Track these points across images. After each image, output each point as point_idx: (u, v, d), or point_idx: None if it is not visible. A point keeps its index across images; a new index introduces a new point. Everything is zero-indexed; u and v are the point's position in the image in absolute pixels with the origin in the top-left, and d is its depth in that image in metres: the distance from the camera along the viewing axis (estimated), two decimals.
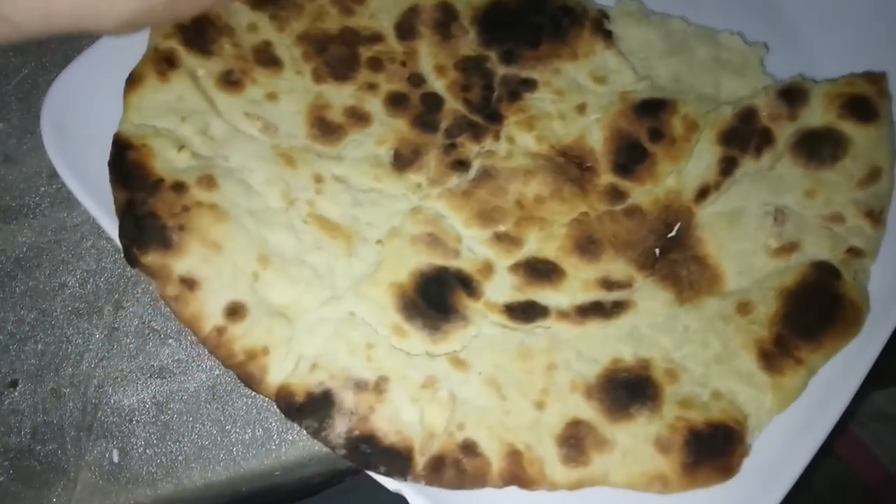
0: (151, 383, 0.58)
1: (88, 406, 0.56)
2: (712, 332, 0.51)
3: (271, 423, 0.58)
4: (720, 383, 0.49)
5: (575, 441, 0.47)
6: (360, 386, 0.48)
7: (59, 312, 0.60)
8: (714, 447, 0.47)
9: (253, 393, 0.55)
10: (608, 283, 0.53)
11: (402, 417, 0.47)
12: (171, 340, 0.59)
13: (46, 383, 0.57)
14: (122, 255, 0.50)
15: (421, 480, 0.46)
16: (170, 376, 0.58)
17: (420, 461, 0.46)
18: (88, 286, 0.60)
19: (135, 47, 0.54)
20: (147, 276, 0.48)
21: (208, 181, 0.51)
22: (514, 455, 0.47)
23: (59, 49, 0.66)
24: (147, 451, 0.57)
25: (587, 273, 0.53)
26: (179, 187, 0.50)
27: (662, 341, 0.51)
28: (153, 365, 0.58)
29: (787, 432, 0.49)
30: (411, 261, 0.52)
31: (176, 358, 0.58)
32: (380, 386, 0.48)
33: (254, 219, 0.51)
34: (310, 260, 0.51)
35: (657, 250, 0.54)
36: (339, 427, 0.46)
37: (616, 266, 0.53)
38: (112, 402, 0.57)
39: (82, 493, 0.55)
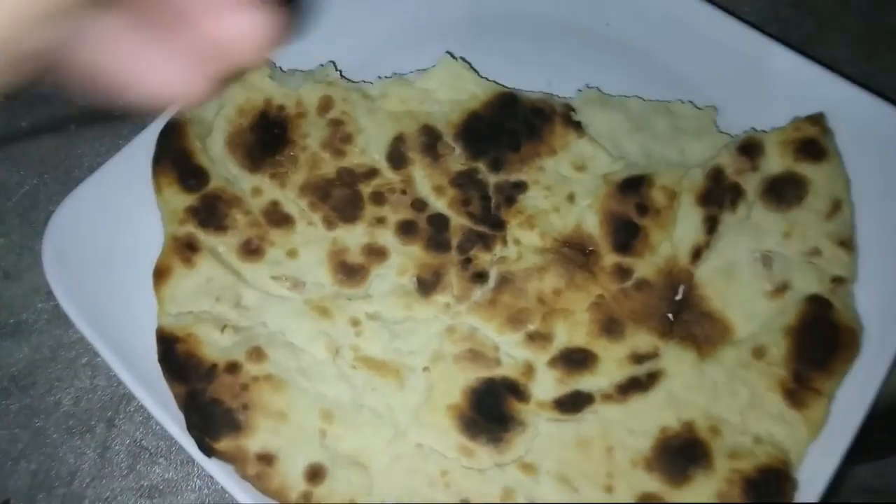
0: (142, 503, 0.59)
1: None
2: (738, 381, 0.57)
3: None
4: (758, 427, 0.55)
5: None
6: None
7: (52, 431, 0.61)
8: (769, 490, 0.52)
9: None
10: (637, 357, 0.58)
11: None
12: (161, 459, 0.61)
13: (39, 503, 0.58)
14: (117, 378, 0.53)
15: None
16: (159, 496, 0.60)
17: None
18: (82, 404, 0.62)
19: (134, 175, 0.58)
20: (224, 461, 0.50)
21: (257, 354, 0.53)
22: None
23: (60, 166, 0.69)
24: None
25: (617, 352, 0.58)
26: (233, 367, 0.53)
27: (698, 400, 0.56)
28: (143, 485, 0.60)
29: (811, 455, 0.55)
30: (459, 379, 0.56)
31: (165, 477, 0.61)
32: None
33: (306, 377, 0.54)
34: (367, 403, 0.54)
35: (670, 315, 0.60)
36: None
37: (640, 339, 0.59)
38: None
39: None
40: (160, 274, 0.55)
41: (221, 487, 0.56)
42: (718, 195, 0.63)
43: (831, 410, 0.56)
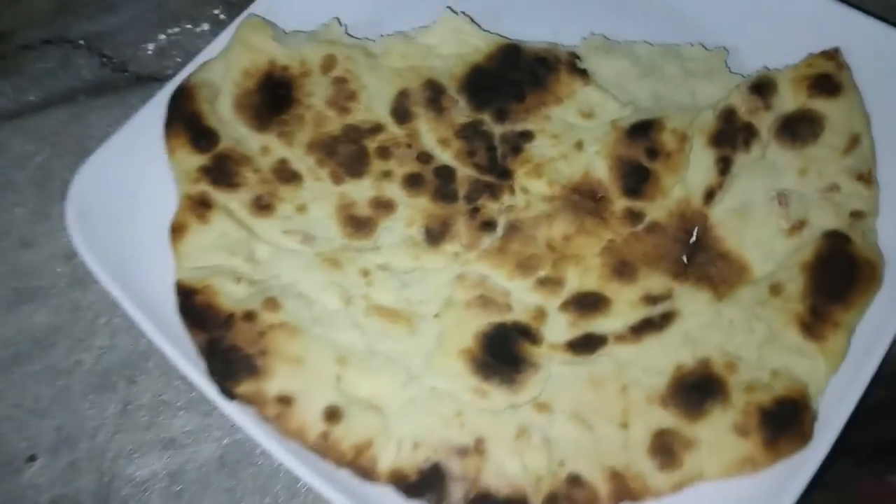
0: (163, 455, 0.61)
1: (104, 478, 0.59)
2: (755, 318, 0.56)
3: (278, 491, 0.60)
4: (775, 362, 0.54)
5: (665, 449, 0.52)
6: (462, 452, 0.52)
7: (75, 388, 0.63)
8: (786, 420, 0.52)
9: (260, 462, 0.59)
10: (651, 299, 0.58)
11: (508, 470, 0.51)
12: (181, 412, 0.62)
13: (64, 457, 0.61)
14: (136, 336, 0.54)
15: None
16: (180, 447, 0.61)
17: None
18: (103, 362, 0.64)
19: (148, 137, 0.60)
20: (245, 404, 0.52)
21: (272, 304, 0.55)
22: (616, 476, 0.51)
23: (71, 136, 0.71)
24: None
25: (629, 294, 0.58)
26: (249, 316, 0.54)
27: (714, 338, 0.56)
28: (164, 437, 0.61)
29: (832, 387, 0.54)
30: (471, 325, 0.56)
31: (186, 429, 0.62)
32: (479, 447, 0.52)
33: (320, 325, 0.55)
34: (380, 349, 0.55)
35: (684, 257, 0.59)
36: (456, 494, 0.50)
37: (653, 281, 0.58)
38: (126, 473, 0.60)
39: None
40: (176, 231, 0.57)
41: (241, 438, 0.58)
42: (731, 136, 0.62)
43: (851, 343, 0.54)
